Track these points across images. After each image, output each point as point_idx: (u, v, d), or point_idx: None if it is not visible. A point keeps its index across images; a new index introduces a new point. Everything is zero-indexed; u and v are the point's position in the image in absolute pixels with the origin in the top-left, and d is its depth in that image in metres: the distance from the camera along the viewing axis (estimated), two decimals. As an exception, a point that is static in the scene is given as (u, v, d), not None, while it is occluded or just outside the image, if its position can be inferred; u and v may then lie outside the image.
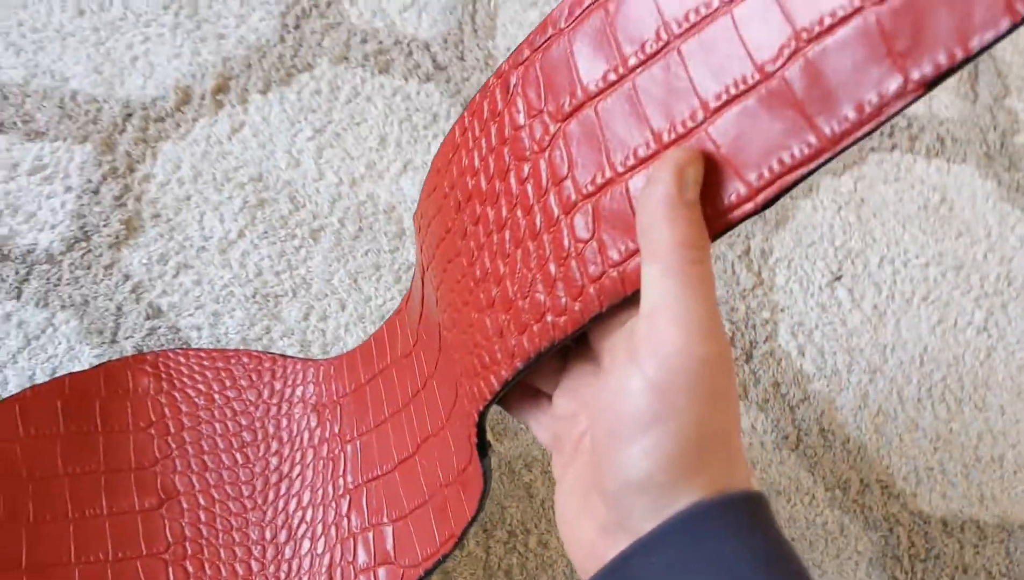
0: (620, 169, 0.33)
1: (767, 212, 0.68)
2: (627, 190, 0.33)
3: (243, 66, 0.67)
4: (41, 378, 0.55)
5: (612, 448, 0.31)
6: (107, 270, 0.58)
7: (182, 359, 0.56)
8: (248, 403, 0.55)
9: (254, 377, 0.56)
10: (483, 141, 0.39)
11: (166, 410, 0.54)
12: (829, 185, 0.70)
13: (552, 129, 0.36)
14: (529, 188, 0.37)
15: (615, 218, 0.33)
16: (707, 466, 0.30)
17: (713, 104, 0.31)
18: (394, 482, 0.49)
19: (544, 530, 0.56)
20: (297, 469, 0.53)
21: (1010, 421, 0.63)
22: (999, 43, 0.25)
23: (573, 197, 0.35)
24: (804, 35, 0.29)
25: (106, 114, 0.63)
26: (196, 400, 0.55)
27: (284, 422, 0.54)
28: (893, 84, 0.27)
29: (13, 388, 0.54)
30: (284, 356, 0.56)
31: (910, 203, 0.70)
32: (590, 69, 0.34)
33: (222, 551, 0.52)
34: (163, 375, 0.55)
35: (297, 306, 0.59)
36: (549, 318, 0.36)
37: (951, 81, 0.77)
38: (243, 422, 0.54)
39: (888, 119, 0.28)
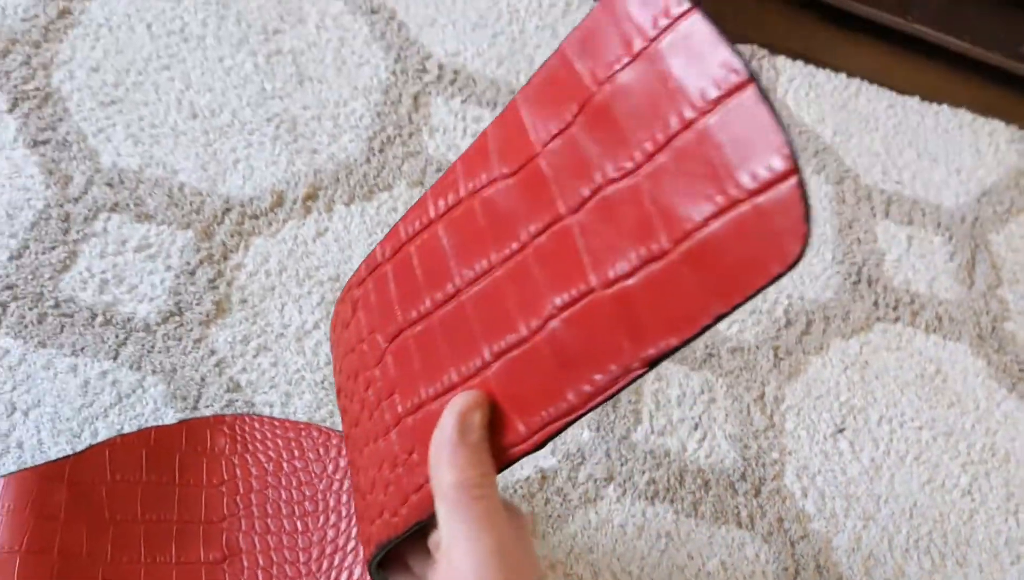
0: (430, 394, 0.36)
1: (781, 363, 0.75)
2: (436, 414, 0.36)
3: (331, 179, 0.76)
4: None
5: None
6: (196, 344, 0.65)
7: (257, 425, 0.62)
8: (313, 475, 0.61)
9: (321, 451, 0.62)
10: (342, 345, 0.43)
11: (237, 471, 0.60)
12: (838, 346, 0.78)
13: (382, 346, 0.39)
14: (371, 394, 0.40)
15: (427, 438, 0.35)
16: None
17: (487, 357, 0.34)
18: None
19: (569, 562, 0.61)
20: (352, 543, 0.58)
21: (987, 579, 0.69)
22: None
23: (399, 411, 0.38)
24: (556, 304, 0.32)
25: (208, 206, 0.71)
26: (266, 465, 0.61)
27: (344, 498, 0.60)
28: (622, 360, 0.30)
29: (102, 439, 0.60)
30: None
31: (909, 370, 0.78)
32: (404, 301, 0.38)
33: None
34: (238, 438, 0.61)
35: (359, 396, 0.66)
36: (386, 516, 0.38)
37: (951, 266, 0.86)
38: (307, 492, 0.60)
39: (623, 387, 0.30)
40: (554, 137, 0.33)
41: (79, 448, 0.59)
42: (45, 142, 0.72)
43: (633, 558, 0.64)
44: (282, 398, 0.65)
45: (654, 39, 0.29)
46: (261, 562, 0.58)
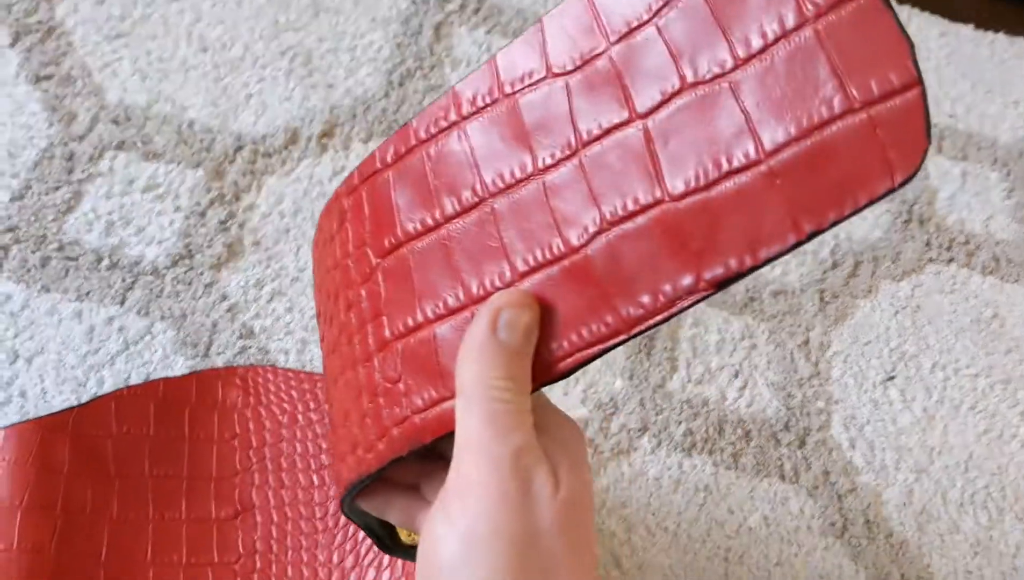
0: (429, 315, 0.33)
1: (828, 307, 0.71)
2: (434, 337, 0.32)
3: (348, 115, 0.72)
4: (136, 381, 0.58)
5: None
6: (207, 288, 0.62)
7: (270, 377, 0.59)
8: (328, 427, 0.58)
9: None
10: (324, 261, 0.38)
11: (251, 424, 0.57)
12: (888, 289, 0.73)
13: (373, 262, 0.35)
14: (353, 317, 0.35)
15: (421, 363, 0.32)
16: None
17: (521, 268, 0.31)
18: None
19: None
20: None
21: (1048, 535, 0.65)
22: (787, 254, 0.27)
23: (387, 334, 0.34)
24: (608, 216, 0.29)
25: (219, 144, 0.67)
26: (280, 418, 0.57)
27: None
28: (686, 280, 0.28)
29: (109, 388, 0.57)
30: None
31: (963, 315, 0.73)
32: (408, 210, 0.34)
33: (290, 568, 0.54)
34: (251, 390, 0.58)
35: (379, 343, 0.63)
36: (359, 452, 0.34)
37: (1008, 204, 0.81)
38: (322, 445, 0.57)
39: (682, 310, 0.28)
40: (631, 31, 0.29)
41: (84, 398, 0.56)
42: (48, 78, 0.68)
43: (669, 513, 0.60)
44: (298, 345, 0.61)
45: None
46: (275, 518, 0.55)
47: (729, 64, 0.27)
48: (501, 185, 0.32)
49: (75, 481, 0.52)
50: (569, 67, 0.31)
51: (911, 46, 0.24)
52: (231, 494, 0.55)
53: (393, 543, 0.39)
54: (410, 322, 0.33)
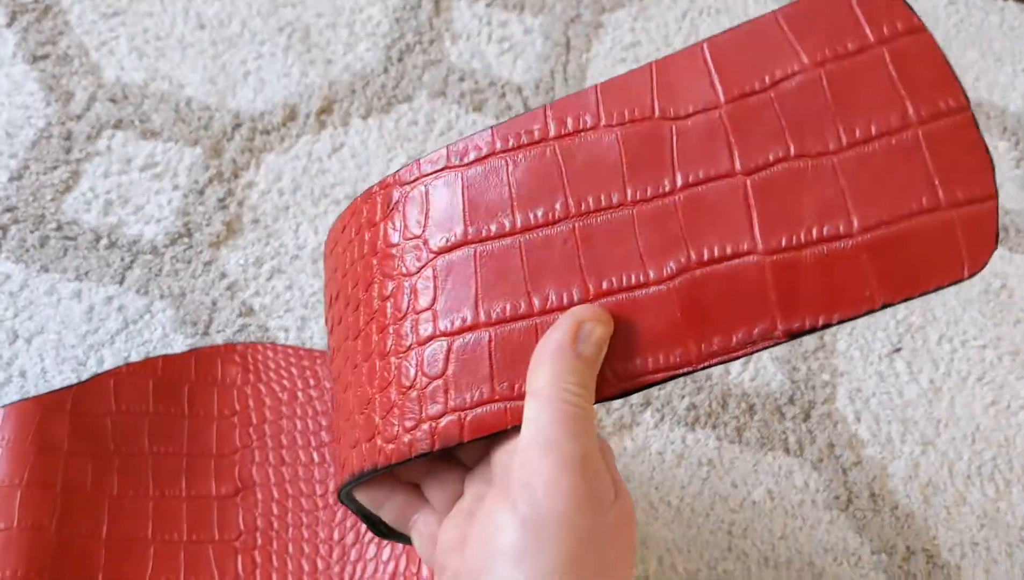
0: (490, 318, 0.33)
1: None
2: (490, 340, 0.33)
3: (347, 91, 0.71)
4: (135, 360, 0.57)
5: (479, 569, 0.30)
6: (206, 266, 0.61)
7: (270, 354, 0.58)
8: (328, 404, 0.58)
9: None
10: (355, 245, 0.38)
11: (250, 401, 0.57)
12: (894, 261, 0.72)
13: (424, 257, 0.35)
14: (389, 307, 0.35)
15: (471, 363, 0.33)
16: None
17: (596, 288, 0.32)
18: None
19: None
20: None
21: (1056, 507, 0.65)
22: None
23: (430, 331, 0.34)
24: (696, 257, 0.31)
25: (217, 122, 0.67)
26: (280, 395, 0.57)
27: None
28: (762, 327, 0.30)
29: (109, 367, 0.57)
30: None
31: (971, 286, 0.72)
32: (478, 211, 0.34)
33: (290, 545, 0.54)
34: (251, 367, 0.58)
35: (379, 320, 0.62)
36: (378, 442, 0.34)
37: (1017, 173, 0.80)
38: (323, 422, 0.57)
39: (751, 353, 0.31)
40: (746, 95, 0.32)
41: (84, 376, 0.56)
42: (45, 57, 0.68)
43: (672, 487, 0.60)
44: (298, 322, 0.61)
45: (883, 40, 0.31)
46: (276, 495, 0.55)
47: (833, 146, 0.30)
48: (591, 207, 0.33)
49: (75, 459, 0.52)
50: (680, 113, 0.33)
51: (993, 164, 0.29)
52: (231, 471, 0.55)
53: (387, 527, 0.39)
54: (466, 321, 0.34)
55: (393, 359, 0.35)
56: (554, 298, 0.33)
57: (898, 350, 0.68)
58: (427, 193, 0.35)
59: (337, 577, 0.53)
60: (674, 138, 0.32)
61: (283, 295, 0.62)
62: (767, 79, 0.32)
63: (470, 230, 0.34)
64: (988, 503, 0.63)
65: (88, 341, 0.57)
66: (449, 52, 0.75)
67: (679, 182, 0.32)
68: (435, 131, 0.71)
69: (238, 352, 0.58)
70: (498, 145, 0.34)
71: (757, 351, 0.31)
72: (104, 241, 0.61)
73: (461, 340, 0.33)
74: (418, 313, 0.34)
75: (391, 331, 0.35)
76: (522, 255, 0.33)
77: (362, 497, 0.37)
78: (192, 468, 0.55)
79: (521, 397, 0.32)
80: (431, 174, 0.35)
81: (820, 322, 0.30)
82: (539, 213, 0.33)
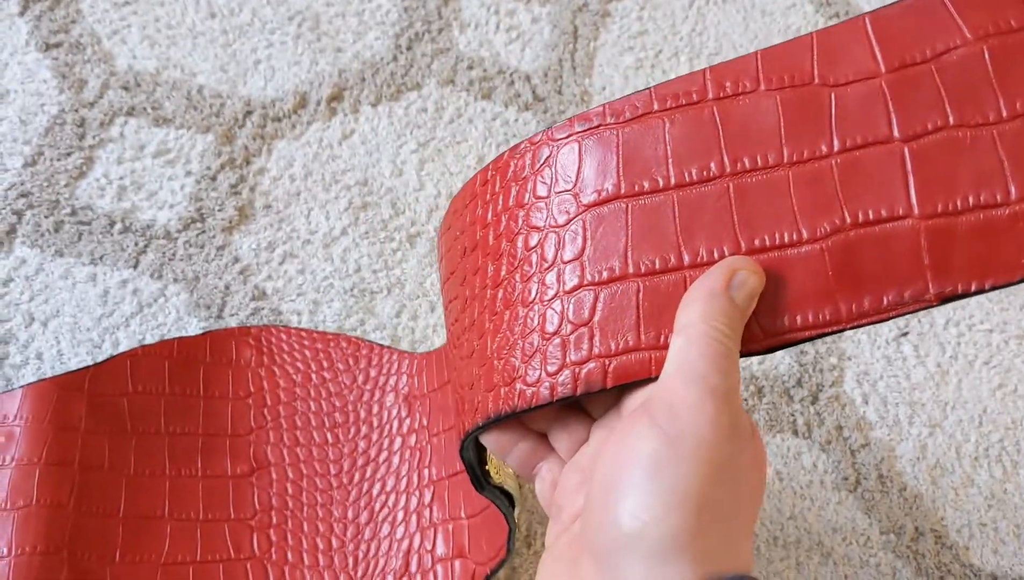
0: (636, 269, 0.34)
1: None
2: (639, 290, 0.34)
3: (357, 79, 0.71)
4: (150, 343, 0.58)
5: (609, 500, 0.30)
6: (219, 251, 0.62)
7: (284, 336, 0.59)
8: (343, 386, 0.58)
9: (351, 362, 0.59)
10: (500, 198, 0.39)
11: (264, 383, 0.57)
12: (901, 246, 0.73)
13: (573, 210, 0.35)
14: (534, 257, 0.36)
15: (620, 311, 0.34)
16: (704, 536, 0.29)
17: (749, 245, 0.33)
18: (467, 482, 0.51)
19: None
20: (384, 455, 0.56)
21: (1063, 489, 0.65)
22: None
23: (577, 281, 0.35)
24: (852, 218, 0.32)
25: (228, 109, 0.68)
26: (294, 377, 0.58)
27: (375, 408, 0.57)
28: (914, 290, 0.31)
29: (124, 349, 0.57)
30: (381, 346, 0.59)
31: (977, 271, 0.73)
32: (634, 169, 0.35)
33: (305, 524, 0.54)
34: (265, 349, 0.58)
35: (391, 303, 0.63)
36: (518, 386, 0.35)
37: None
38: (336, 403, 0.57)
39: (902, 314, 0.31)
40: (907, 66, 0.32)
41: (100, 358, 0.56)
42: (58, 45, 0.68)
43: (682, 468, 0.60)
44: (310, 306, 0.61)
45: None
46: (290, 475, 0.55)
47: (993, 117, 0.31)
48: (746, 167, 0.34)
49: (92, 438, 0.52)
50: (840, 81, 0.33)
51: None
52: (246, 451, 0.56)
53: (486, 482, 0.41)
54: (614, 271, 0.34)
55: (537, 306, 0.36)
56: (704, 252, 0.33)
57: (905, 334, 0.69)
58: (580, 149, 0.36)
59: (352, 555, 0.53)
60: (833, 104, 0.33)
61: (295, 279, 0.62)
62: (928, 51, 0.32)
63: (623, 185, 0.35)
64: (995, 484, 0.63)
65: (103, 324, 0.58)
66: (458, 41, 0.76)
67: (836, 146, 0.33)
68: (444, 118, 0.71)
69: (252, 335, 0.59)
70: (655, 105, 0.35)
71: (906, 313, 0.31)
72: (118, 226, 0.61)
73: (608, 290, 0.34)
74: (565, 263, 0.35)
75: (535, 280, 0.36)
76: (675, 210, 0.34)
77: (490, 442, 0.38)
78: (208, 448, 0.55)
79: (666, 347, 0.33)
80: (586, 131, 0.36)
81: (972, 287, 0.30)
82: (694, 171, 0.34)
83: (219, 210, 0.63)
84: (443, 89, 0.73)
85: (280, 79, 0.70)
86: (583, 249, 0.35)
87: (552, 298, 0.35)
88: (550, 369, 0.35)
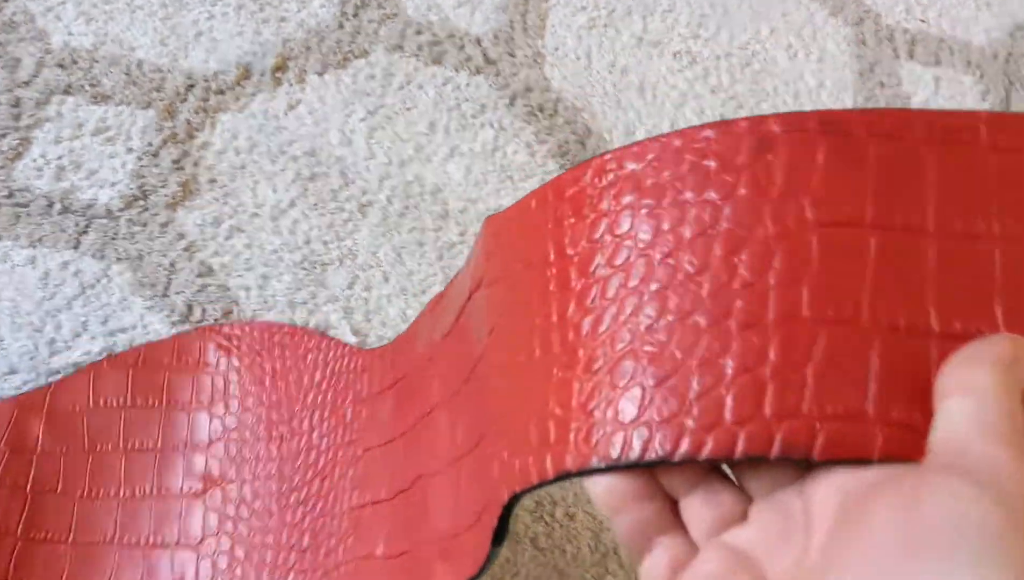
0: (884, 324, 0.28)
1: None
2: (873, 345, 0.27)
3: (302, 48, 0.70)
4: (94, 325, 0.56)
5: (904, 570, 0.23)
6: (162, 228, 0.60)
7: (256, 333, 0.56)
8: (305, 390, 0.54)
9: (332, 365, 0.55)
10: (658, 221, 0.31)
11: (230, 388, 0.55)
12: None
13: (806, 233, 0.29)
14: (745, 274, 0.29)
15: (844, 364, 0.27)
16: None
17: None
18: (384, 515, 0.45)
19: (571, 503, 0.57)
20: (329, 467, 0.52)
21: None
22: None
23: (806, 314, 0.28)
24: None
25: (169, 83, 0.66)
26: (263, 380, 0.55)
27: (329, 414, 0.53)
28: None
29: (66, 332, 0.56)
30: (348, 345, 0.56)
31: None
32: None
33: (250, 550, 0.51)
34: (234, 350, 0.56)
35: (343, 275, 0.61)
36: (686, 425, 0.28)
37: (984, 107, 0.79)
38: (295, 409, 0.54)
39: None
40: None
41: (41, 343, 0.55)
42: (-10, 25, 0.66)
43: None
44: (259, 281, 0.60)
45: None
46: (241, 493, 0.52)
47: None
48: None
49: (46, 460, 0.51)
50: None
51: None
52: (200, 466, 0.53)
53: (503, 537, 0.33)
54: (843, 313, 0.28)
55: (714, 339, 0.28)
56: (959, 327, 0.28)
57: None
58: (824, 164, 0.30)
59: None
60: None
61: (243, 253, 0.61)
62: None
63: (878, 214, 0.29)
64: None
65: (44, 307, 0.56)
66: (405, 6, 0.74)
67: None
68: (393, 85, 0.70)
69: (223, 334, 0.57)
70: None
71: None
72: (57, 206, 0.60)
73: (834, 330, 0.28)
74: (786, 288, 0.28)
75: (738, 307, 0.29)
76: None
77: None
78: (163, 463, 0.53)
79: (899, 425, 0.27)
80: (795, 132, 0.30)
81: None
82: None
83: (162, 187, 0.62)
84: (391, 55, 0.71)
85: (222, 51, 0.68)
86: (804, 278, 0.28)
87: (758, 329, 0.28)
88: (737, 415, 0.27)
